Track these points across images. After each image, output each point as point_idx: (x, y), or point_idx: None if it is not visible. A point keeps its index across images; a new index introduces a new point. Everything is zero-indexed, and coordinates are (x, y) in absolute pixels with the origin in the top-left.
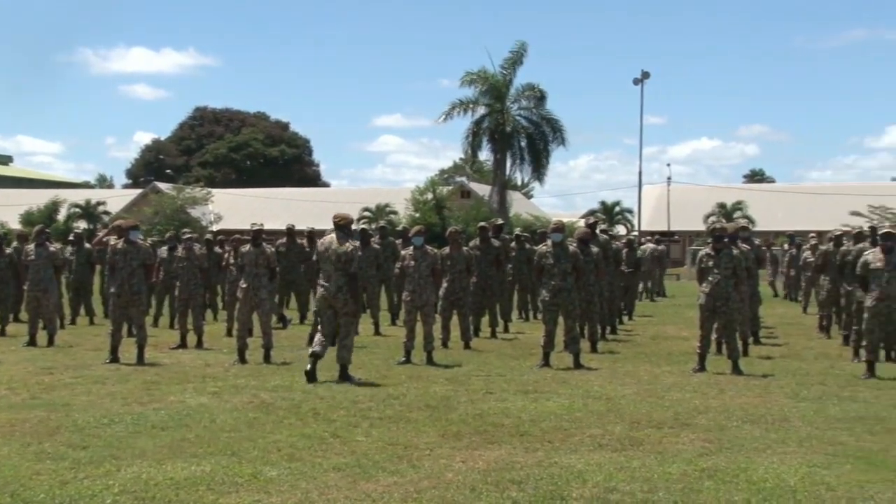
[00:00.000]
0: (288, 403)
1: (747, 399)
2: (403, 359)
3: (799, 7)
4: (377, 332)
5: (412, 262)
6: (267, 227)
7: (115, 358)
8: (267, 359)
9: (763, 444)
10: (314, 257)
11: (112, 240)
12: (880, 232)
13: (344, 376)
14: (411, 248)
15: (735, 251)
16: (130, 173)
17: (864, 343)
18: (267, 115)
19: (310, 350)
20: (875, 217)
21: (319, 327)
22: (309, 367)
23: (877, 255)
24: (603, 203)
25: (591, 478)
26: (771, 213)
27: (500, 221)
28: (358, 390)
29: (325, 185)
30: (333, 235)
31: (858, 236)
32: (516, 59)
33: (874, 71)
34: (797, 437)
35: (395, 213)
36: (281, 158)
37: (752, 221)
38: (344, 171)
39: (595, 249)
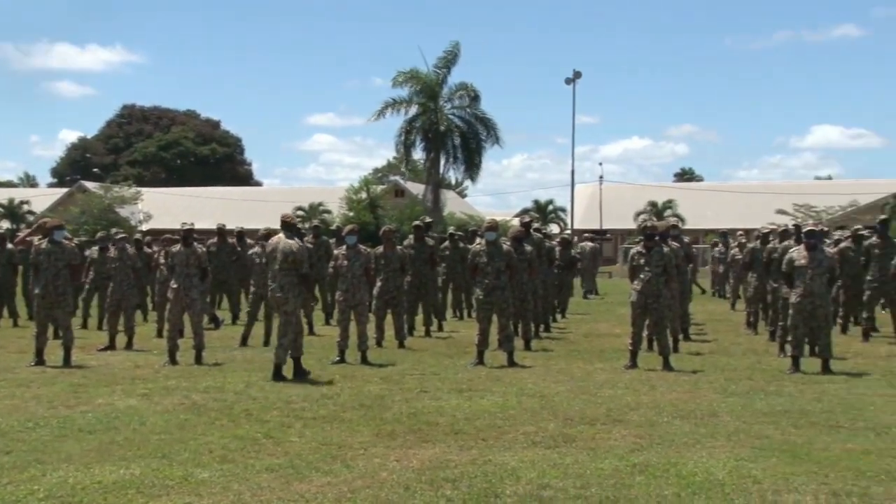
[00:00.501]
0: (220, 405)
1: (677, 395)
2: (337, 358)
3: (727, 9)
4: (311, 332)
5: (345, 262)
6: (198, 226)
7: (40, 360)
8: (198, 360)
9: (693, 438)
10: (262, 258)
11: (36, 240)
12: (804, 230)
13: (278, 375)
14: (344, 247)
15: (665, 249)
16: (56, 172)
17: (789, 339)
18: (197, 113)
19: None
20: (800, 215)
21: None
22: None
23: (801, 252)
24: (536, 202)
25: (524, 475)
26: (700, 211)
27: (428, 219)
28: (291, 390)
29: (258, 184)
30: (282, 235)
31: (784, 234)
32: (450, 59)
33: (798, 72)
34: (725, 432)
35: (328, 212)
36: (212, 157)
37: (682, 220)
38: (277, 170)
39: (528, 248)
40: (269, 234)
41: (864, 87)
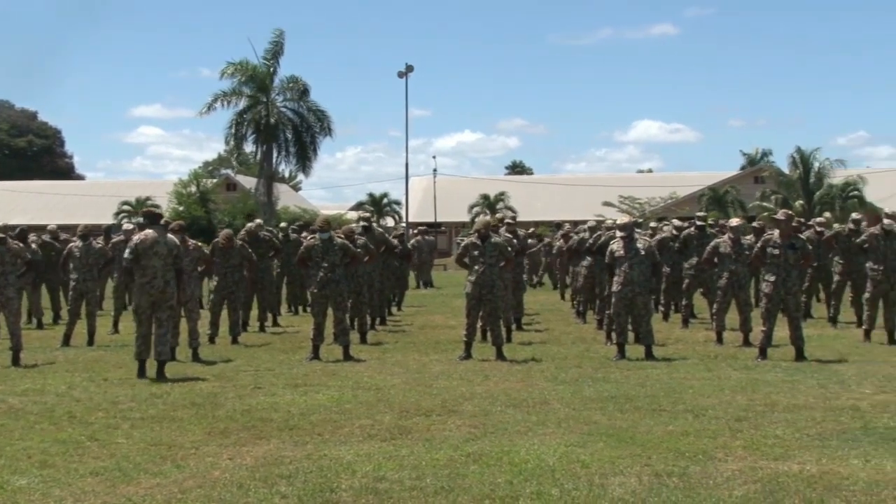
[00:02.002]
0: (40, 408)
1: (510, 384)
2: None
3: (552, 7)
4: None
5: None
6: (17, 221)
7: None
8: (16, 361)
9: (525, 426)
10: (128, 254)
11: None
12: (617, 223)
13: (161, 373)
14: None
15: (498, 239)
16: None
17: (614, 327)
18: (11, 103)
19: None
20: (625, 206)
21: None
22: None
23: (619, 243)
24: (371, 195)
25: (360, 468)
26: (531, 203)
27: (258, 221)
28: (118, 390)
29: (80, 177)
30: (152, 231)
31: (594, 228)
32: (277, 49)
33: (620, 69)
34: (556, 419)
35: (157, 206)
36: (29, 150)
37: (514, 212)
38: (100, 163)
39: (361, 241)
40: (89, 230)
41: (681, 83)
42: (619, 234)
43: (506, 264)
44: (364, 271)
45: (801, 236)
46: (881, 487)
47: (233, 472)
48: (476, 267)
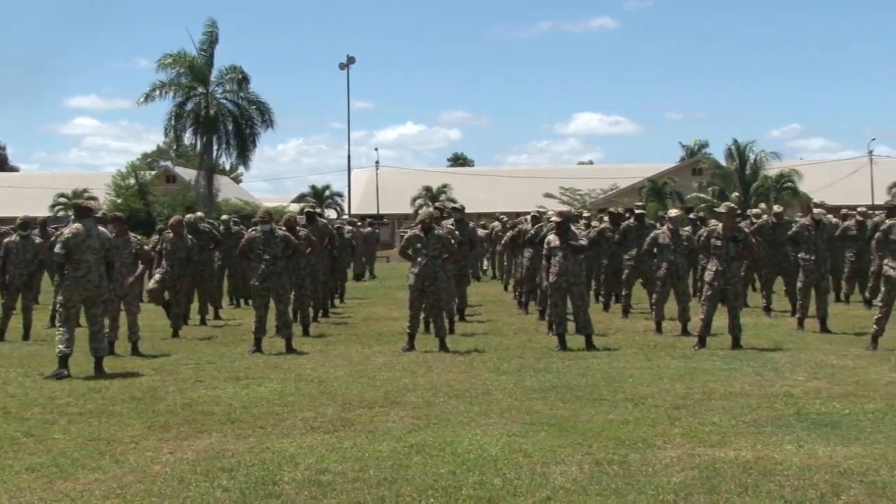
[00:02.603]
0: None
1: (453, 375)
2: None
3: None
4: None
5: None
6: None
7: None
8: None
9: (467, 417)
10: (59, 248)
11: None
12: (550, 216)
13: (100, 369)
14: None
15: (441, 231)
16: None
17: (552, 317)
18: None
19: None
20: (566, 198)
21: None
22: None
23: (555, 234)
24: (313, 187)
25: (303, 461)
26: (473, 195)
27: (199, 213)
28: (54, 385)
29: (14, 169)
30: (79, 225)
31: (535, 219)
32: (212, 39)
33: (561, 62)
34: (498, 409)
35: (94, 198)
36: None
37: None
38: (35, 154)
39: (303, 232)
40: (27, 221)
41: (620, 76)
42: (554, 225)
43: (448, 256)
44: (307, 263)
45: (744, 228)
46: (813, 472)
47: (173, 466)
48: (419, 259)
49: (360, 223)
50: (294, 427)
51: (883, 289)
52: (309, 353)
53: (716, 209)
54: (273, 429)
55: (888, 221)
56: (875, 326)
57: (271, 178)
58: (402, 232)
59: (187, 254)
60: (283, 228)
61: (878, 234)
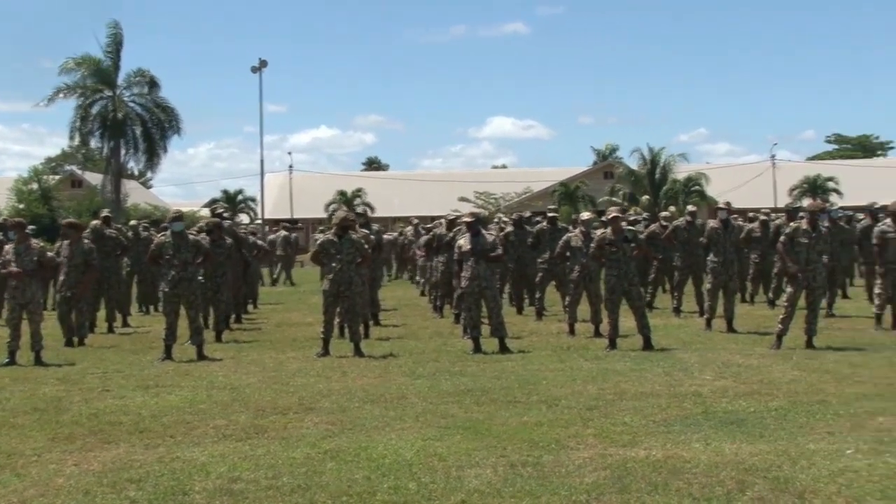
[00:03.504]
0: None
1: (368, 380)
2: (7, 360)
3: (406, 2)
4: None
5: (13, 257)
6: None
7: None
8: None
9: (382, 422)
10: None
11: None
12: (461, 219)
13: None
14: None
15: (355, 236)
16: None
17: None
18: None
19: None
20: (480, 202)
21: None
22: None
23: (467, 238)
24: (225, 192)
25: (214, 469)
26: (388, 199)
27: (106, 212)
28: None
29: None
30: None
31: (455, 222)
32: (118, 41)
33: (475, 66)
34: (413, 413)
35: None
36: None
37: (371, 208)
38: None
39: (228, 240)
40: None
41: (533, 81)
42: (464, 229)
43: (363, 261)
44: (222, 269)
45: (633, 228)
46: (720, 469)
47: (78, 478)
48: (333, 264)
49: (274, 228)
50: (205, 435)
51: (787, 289)
52: (221, 359)
53: (603, 218)
54: (183, 438)
55: (791, 225)
56: (779, 326)
57: (182, 183)
58: (315, 236)
59: (83, 259)
60: (194, 233)
61: (782, 238)
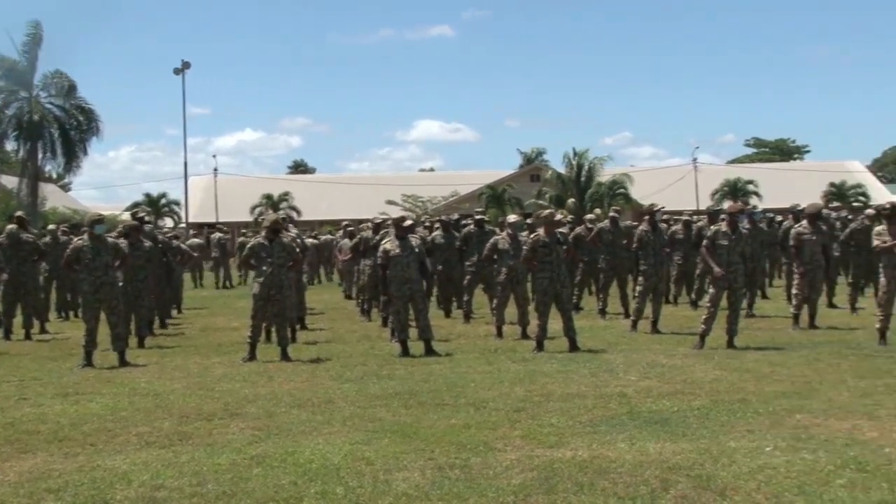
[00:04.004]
0: None
1: (295, 384)
2: None
3: (332, 4)
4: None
5: None
6: None
7: None
8: None
9: (310, 426)
10: None
11: None
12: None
13: None
14: None
15: (286, 239)
16: None
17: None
18: None
19: None
20: (408, 205)
21: None
22: None
23: (394, 242)
24: (148, 195)
25: (136, 477)
26: (315, 203)
27: (18, 213)
28: None
29: None
30: None
31: (382, 225)
32: (35, 41)
33: (401, 69)
34: (341, 417)
35: None
36: None
37: (298, 212)
38: None
39: (147, 243)
40: None
41: (460, 84)
42: (393, 232)
43: (293, 264)
44: (144, 273)
45: (563, 231)
46: (644, 468)
47: None
48: (264, 268)
49: (209, 231)
50: (127, 443)
51: (710, 290)
52: (144, 365)
53: (536, 218)
54: (105, 446)
55: (713, 227)
56: (702, 326)
57: (102, 186)
58: (241, 240)
59: None
60: (114, 237)
61: (705, 242)
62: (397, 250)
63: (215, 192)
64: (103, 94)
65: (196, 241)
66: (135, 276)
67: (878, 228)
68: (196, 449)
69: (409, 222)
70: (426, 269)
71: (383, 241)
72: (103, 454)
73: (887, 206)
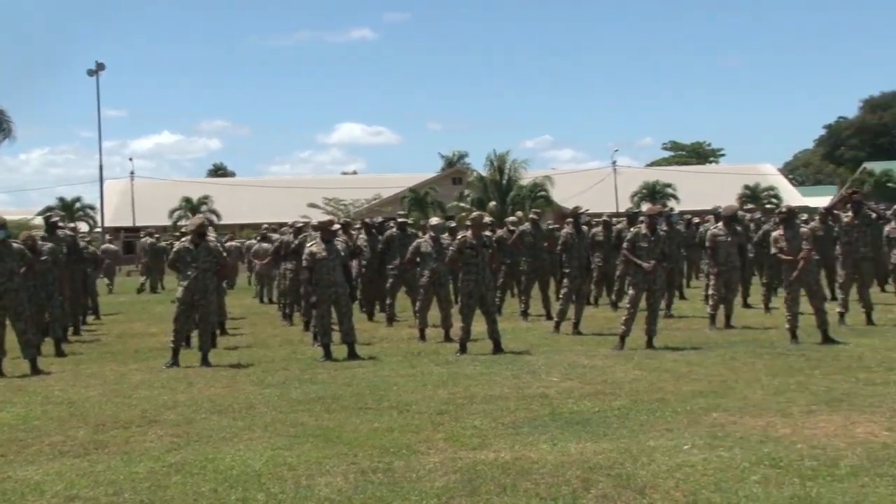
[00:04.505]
0: None
1: (216, 390)
2: None
3: (250, 5)
4: None
5: None
6: None
7: None
8: None
9: (230, 432)
10: None
11: None
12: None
13: None
14: None
15: (212, 244)
16: None
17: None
18: None
19: None
20: (330, 208)
21: None
22: None
23: (320, 245)
24: (62, 199)
25: (49, 488)
26: (235, 206)
27: None
28: None
29: None
30: None
31: (299, 230)
32: None
33: (322, 72)
34: (262, 423)
35: None
36: None
37: (217, 215)
38: None
39: (48, 245)
40: None
41: (381, 87)
42: (319, 235)
43: (220, 269)
44: (54, 278)
45: (488, 234)
46: (566, 468)
47: None
48: (189, 272)
49: (109, 237)
50: (40, 453)
51: (630, 292)
52: (59, 373)
53: (467, 220)
54: (16, 456)
55: (632, 229)
56: (622, 327)
57: (13, 190)
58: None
59: None
60: (19, 242)
61: (626, 244)
62: (323, 253)
63: (132, 195)
64: (14, 96)
65: (110, 246)
66: (44, 279)
67: (775, 234)
68: (112, 458)
69: (336, 226)
70: (350, 273)
71: (309, 244)
72: (15, 465)
73: (783, 209)
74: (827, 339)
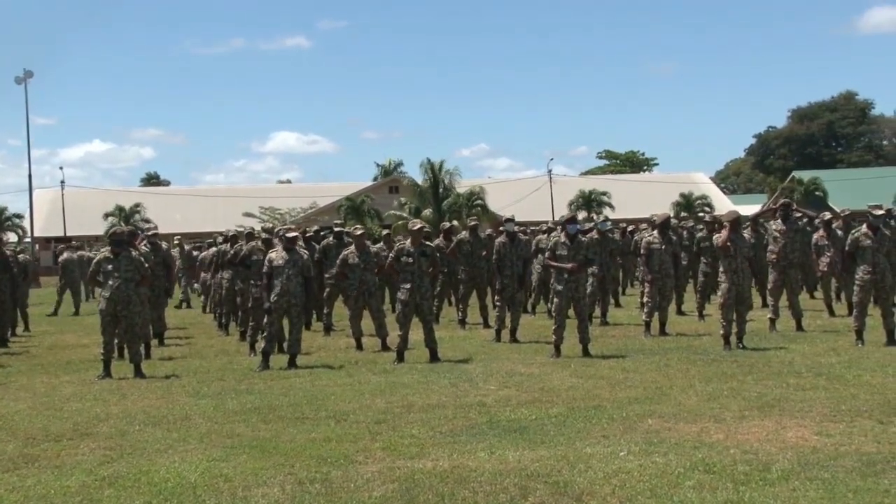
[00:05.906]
0: None
1: (150, 402)
2: None
3: (182, 12)
4: None
5: None
6: None
7: None
8: None
9: (165, 444)
10: None
11: None
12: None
13: None
14: None
15: (134, 253)
16: None
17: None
18: None
19: None
20: (266, 217)
21: None
22: None
23: (280, 253)
24: None
25: None
26: (169, 215)
27: None
28: None
29: None
30: None
31: (249, 236)
32: None
33: (256, 80)
34: (198, 434)
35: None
36: None
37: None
38: None
39: None
40: None
41: (316, 95)
42: (280, 243)
43: (142, 280)
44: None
45: (428, 243)
46: (504, 476)
47: None
48: (110, 282)
49: (75, 245)
50: None
51: (554, 300)
52: None
53: (409, 228)
54: None
55: (552, 237)
56: (553, 336)
57: None
58: (94, 254)
59: None
60: None
61: (547, 253)
62: (281, 262)
63: (63, 205)
64: None
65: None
66: None
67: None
68: (43, 471)
69: (294, 233)
70: (312, 286)
71: (269, 251)
72: None
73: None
74: (740, 345)
